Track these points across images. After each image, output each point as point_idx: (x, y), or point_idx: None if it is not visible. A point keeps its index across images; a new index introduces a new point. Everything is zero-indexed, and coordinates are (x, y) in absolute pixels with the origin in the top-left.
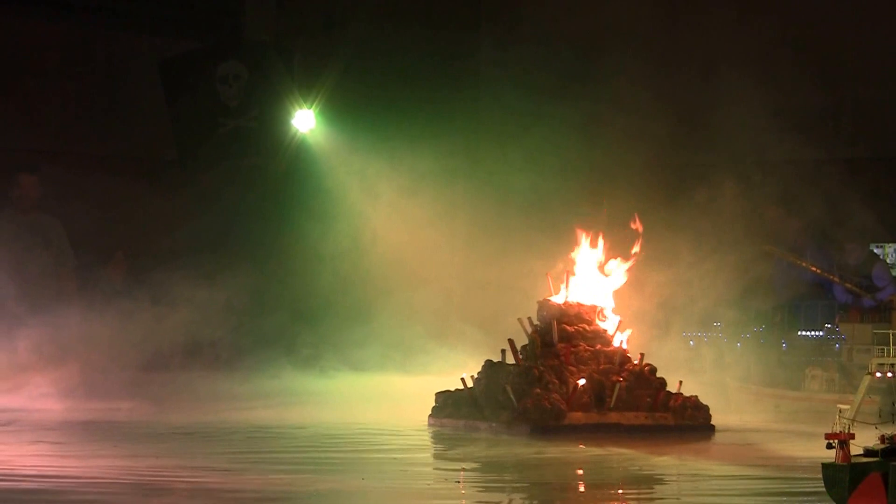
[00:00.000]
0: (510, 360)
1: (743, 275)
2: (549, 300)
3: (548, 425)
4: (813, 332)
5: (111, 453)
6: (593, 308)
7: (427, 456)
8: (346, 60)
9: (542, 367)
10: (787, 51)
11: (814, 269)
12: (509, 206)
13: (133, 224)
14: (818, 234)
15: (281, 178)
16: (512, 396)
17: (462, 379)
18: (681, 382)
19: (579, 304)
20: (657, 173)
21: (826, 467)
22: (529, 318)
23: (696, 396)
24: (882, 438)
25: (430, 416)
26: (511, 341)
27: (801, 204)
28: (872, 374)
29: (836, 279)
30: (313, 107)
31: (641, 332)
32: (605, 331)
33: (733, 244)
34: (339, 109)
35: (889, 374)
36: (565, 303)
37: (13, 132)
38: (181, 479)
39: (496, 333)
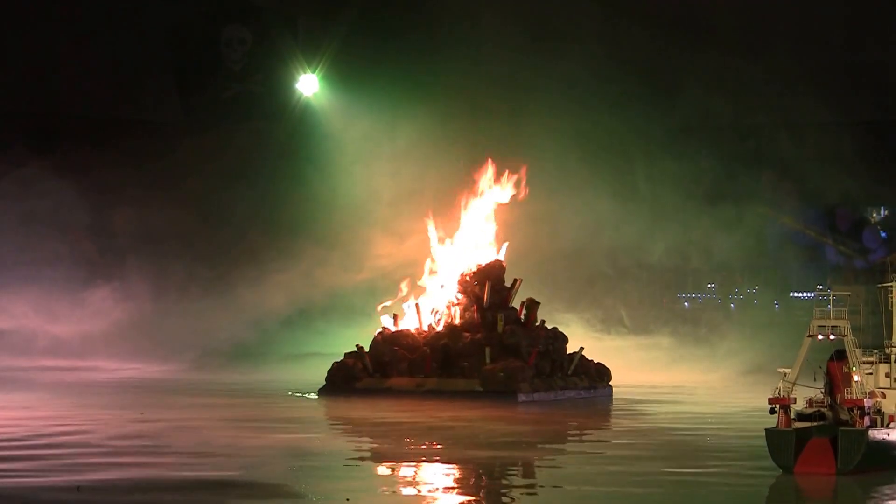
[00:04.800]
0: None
1: (738, 237)
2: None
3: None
4: (805, 294)
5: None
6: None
7: None
8: (349, 25)
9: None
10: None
11: (807, 231)
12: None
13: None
14: (812, 198)
15: (287, 140)
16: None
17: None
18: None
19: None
20: (651, 136)
21: (770, 434)
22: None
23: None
24: (810, 402)
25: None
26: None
27: (795, 167)
28: (813, 335)
29: (829, 241)
30: (317, 71)
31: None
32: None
33: (730, 207)
34: (342, 73)
35: (831, 336)
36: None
37: (17, 96)
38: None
39: None
